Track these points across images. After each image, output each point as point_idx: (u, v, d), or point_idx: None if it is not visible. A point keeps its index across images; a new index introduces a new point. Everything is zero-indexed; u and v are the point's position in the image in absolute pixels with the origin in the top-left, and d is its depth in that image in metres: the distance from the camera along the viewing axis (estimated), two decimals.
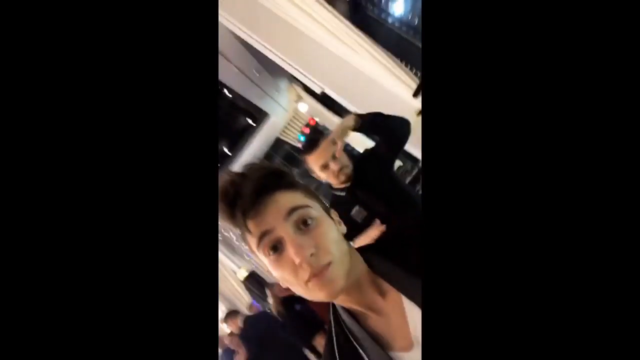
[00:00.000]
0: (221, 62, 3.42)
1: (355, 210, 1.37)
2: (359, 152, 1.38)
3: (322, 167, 1.36)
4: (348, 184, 1.42)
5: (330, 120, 4.18)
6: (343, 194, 1.42)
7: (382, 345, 0.51)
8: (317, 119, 4.05)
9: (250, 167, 0.51)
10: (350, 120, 1.30)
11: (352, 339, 0.53)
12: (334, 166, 1.35)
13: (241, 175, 0.50)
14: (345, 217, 1.06)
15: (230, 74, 3.63)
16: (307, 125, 4.33)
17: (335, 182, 1.42)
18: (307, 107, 4.31)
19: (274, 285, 2.65)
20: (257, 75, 3.88)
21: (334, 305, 0.57)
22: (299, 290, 0.50)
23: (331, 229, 0.50)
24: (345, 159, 1.38)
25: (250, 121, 5.18)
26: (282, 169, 0.53)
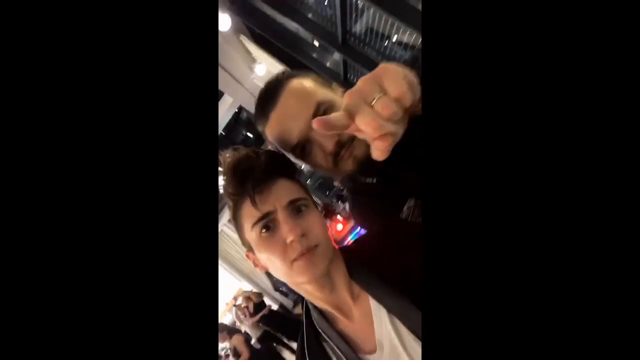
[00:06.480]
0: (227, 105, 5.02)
1: (408, 206, 0.71)
2: None
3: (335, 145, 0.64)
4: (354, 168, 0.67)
5: None
6: (373, 180, 0.77)
7: (349, 346, 0.54)
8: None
9: (265, 150, 0.56)
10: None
11: (321, 336, 0.57)
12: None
13: (256, 153, 0.53)
14: (383, 217, 0.66)
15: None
16: None
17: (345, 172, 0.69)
18: None
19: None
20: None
21: (307, 304, 0.60)
22: (281, 272, 0.53)
23: (321, 220, 0.55)
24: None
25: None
26: (292, 160, 0.57)
